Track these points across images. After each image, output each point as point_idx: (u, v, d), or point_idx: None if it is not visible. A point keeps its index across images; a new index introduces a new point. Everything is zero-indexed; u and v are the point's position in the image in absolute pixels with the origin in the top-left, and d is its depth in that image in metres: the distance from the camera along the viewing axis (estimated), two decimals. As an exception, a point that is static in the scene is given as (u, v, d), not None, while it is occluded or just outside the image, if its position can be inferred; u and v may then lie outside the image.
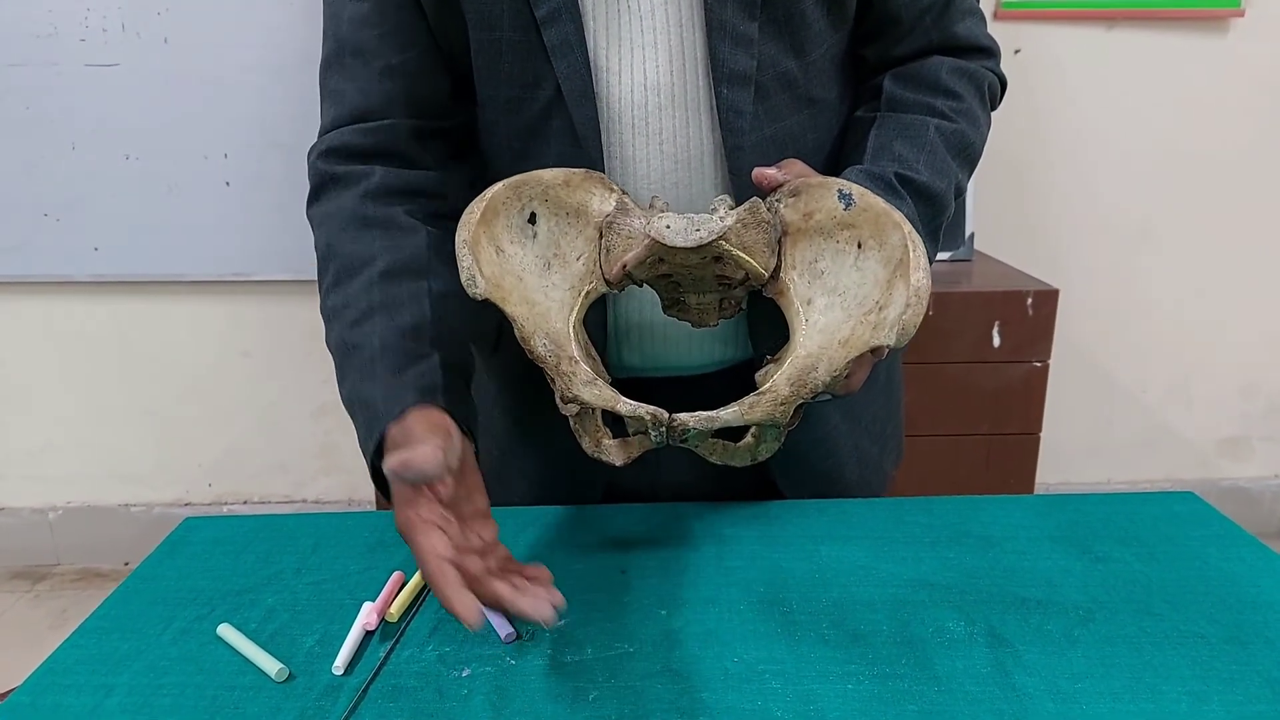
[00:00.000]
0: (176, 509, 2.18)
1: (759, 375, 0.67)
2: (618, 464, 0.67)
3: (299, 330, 2.07)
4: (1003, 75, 0.82)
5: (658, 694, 0.56)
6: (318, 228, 0.74)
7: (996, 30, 1.95)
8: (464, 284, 0.62)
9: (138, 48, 1.87)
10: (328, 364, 2.37)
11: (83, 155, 1.93)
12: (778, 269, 0.66)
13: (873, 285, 0.63)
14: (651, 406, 0.62)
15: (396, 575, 0.68)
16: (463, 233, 0.63)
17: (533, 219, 0.66)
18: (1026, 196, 2.07)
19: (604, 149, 0.72)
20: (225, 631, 0.63)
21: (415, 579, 0.68)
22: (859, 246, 0.64)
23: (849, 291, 0.64)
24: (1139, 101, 2.03)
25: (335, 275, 0.71)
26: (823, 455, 0.84)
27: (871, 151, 0.74)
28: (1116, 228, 2.10)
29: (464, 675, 0.58)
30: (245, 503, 2.17)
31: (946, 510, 0.79)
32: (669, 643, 0.61)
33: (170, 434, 2.14)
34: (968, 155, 0.76)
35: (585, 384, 0.62)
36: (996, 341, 1.62)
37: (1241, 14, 1.98)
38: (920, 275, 0.61)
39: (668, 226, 0.63)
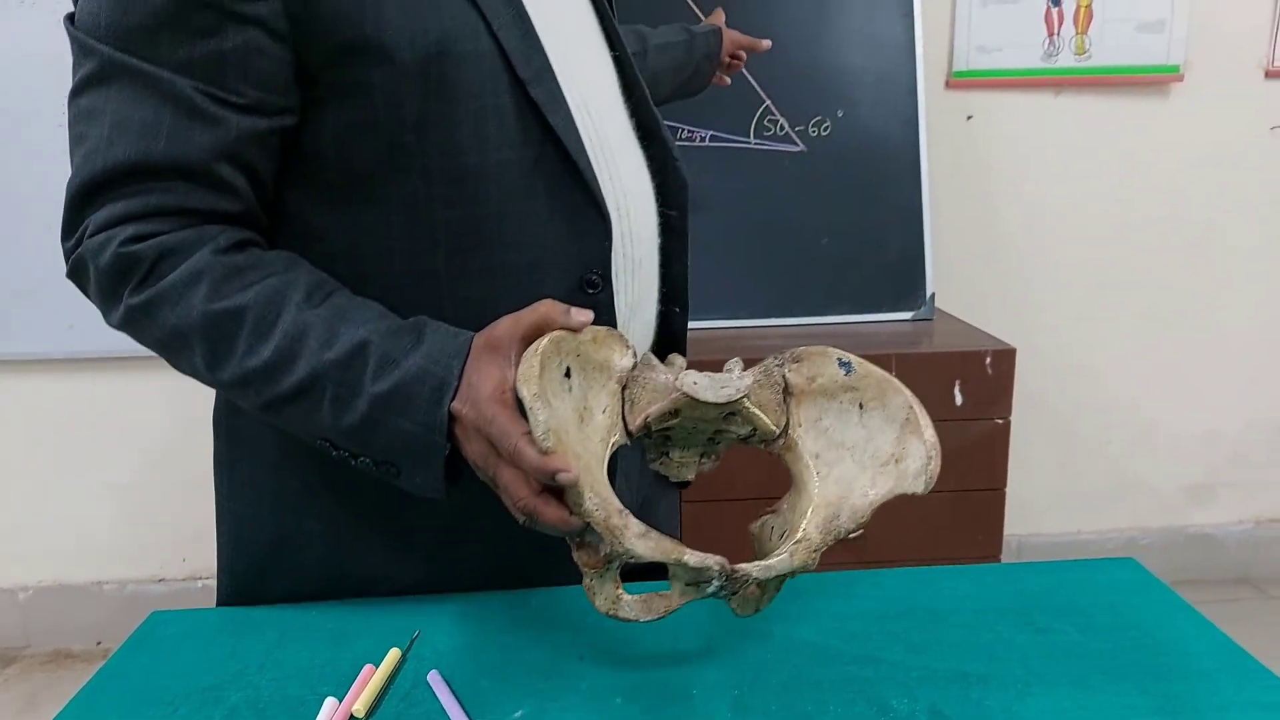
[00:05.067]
0: (150, 585, 2.17)
1: (755, 527, 0.71)
2: (641, 620, 0.65)
3: (274, 402, 2.08)
4: None
5: (610, 784, 0.58)
6: (169, 304, 0.66)
7: (947, 98, 2.03)
8: (539, 438, 0.59)
9: (113, 131, 1.91)
10: (301, 438, 2.27)
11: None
12: (785, 427, 0.70)
13: (882, 442, 0.68)
14: (717, 556, 0.62)
15: (367, 669, 0.69)
16: (531, 386, 0.61)
17: (568, 374, 0.67)
18: (984, 255, 2.13)
19: (602, 184, 0.75)
20: (188, 732, 0.64)
21: (382, 668, 0.69)
22: (860, 407, 0.70)
23: (856, 446, 0.69)
24: (1088, 162, 2.10)
25: (254, 328, 0.66)
26: None
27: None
28: (1073, 283, 2.16)
29: (422, 770, 0.60)
30: (220, 577, 2.16)
31: (897, 583, 0.81)
32: (622, 731, 0.63)
33: (144, 509, 2.14)
34: None
35: (639, 537, 0.60)
36: (959, 400, 1.66)
37: (1181, 79, 2.07)
38: (932, 432, 0.67)
39: (695, 383, 0.66)
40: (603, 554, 0.62)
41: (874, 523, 1.88)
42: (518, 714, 0.65)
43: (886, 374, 0.70)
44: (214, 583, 2.41)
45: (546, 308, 0.65)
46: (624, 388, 0.69)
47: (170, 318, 0.66)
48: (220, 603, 0.87)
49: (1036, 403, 2.19)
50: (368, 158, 0.70)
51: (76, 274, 0.70)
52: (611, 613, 0.64)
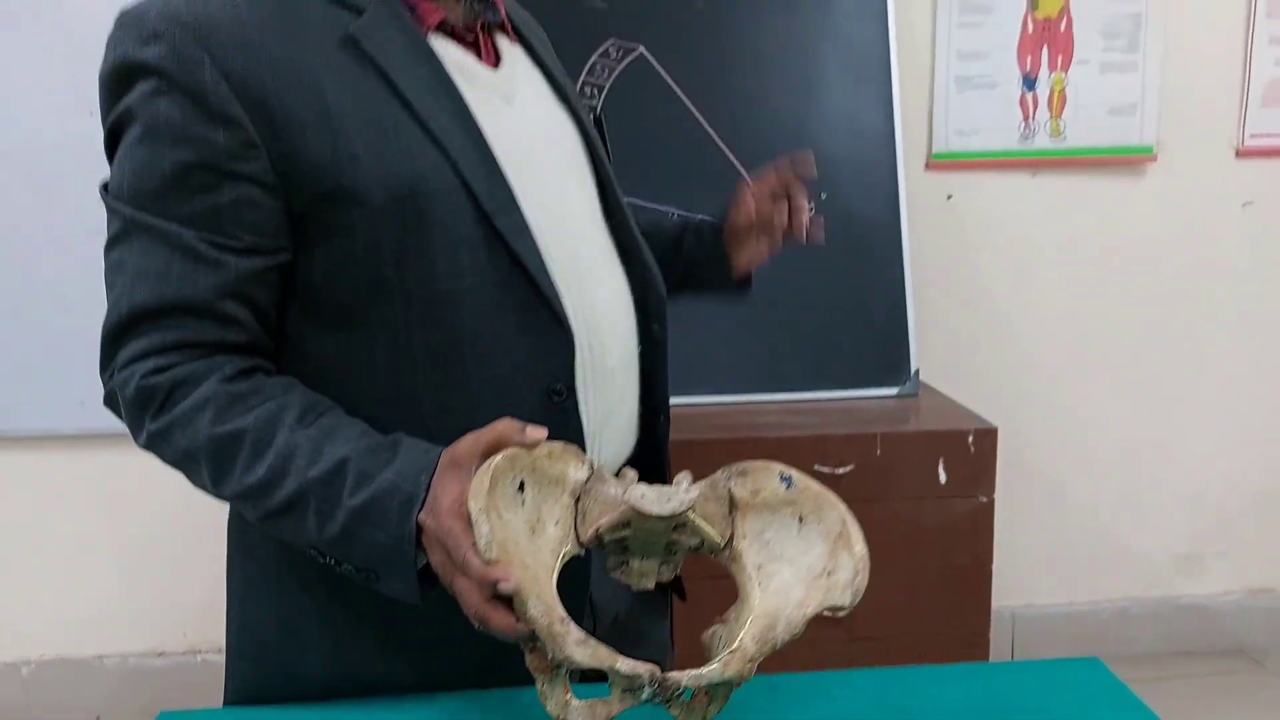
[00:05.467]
0: (151, 659, 2.19)
1: (706, 636, 0.73)
2: None
3: (275, 477, 2.13)
4: None
5: None
6: (179, 430, 0.73)
7: (927, 179, 2.11)
8: (482, 549, 0.65)
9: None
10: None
11: (74, 315, 2.02)
12: (731, 538, 0.75)
13: (817, 555, 0.73)
14: (648, 664, 0.66)
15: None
16: (478, 500, 0.66)
17: (521, 487, 0.71)
18: (968, 330, 2.18)
19: (568, 305, 0.81)
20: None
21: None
22: (800, 520, 0.74)
23: (796, 559, 0.74)
24: (1066, 239, 2.17)
25: (252, 449, 0.72)
26: None
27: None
28: (1056, 355, 2.21)
29: None
30: (220, 650, 2.18)
31: (868, 683, 0.85)
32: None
33: (145, 584, 2.17)
34: None
35: (578, 644, 0.65)
36: (943, 478, 1.70)
37: (1154, 159, 2.15)
38: (861, 545, 0.72)
39: (642, 496, 0.70)
40: (550, 659, 0.66)
41: (863, 601, 1.92)
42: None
43: (824, 488, 0.75)
44: (213, 657, 2.40)
45: (504, 426, 0.71)
46: (577, 500, 0.73)
47: (182, 441, 0.74)
48: (227, 699, 0.91)
49: (1025, 473, 2.22)
50: (352, 288, 0.78)
51: (111, 403, 0.78)
52: (561, 717, 0.67)
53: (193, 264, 0.73)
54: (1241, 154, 2.17)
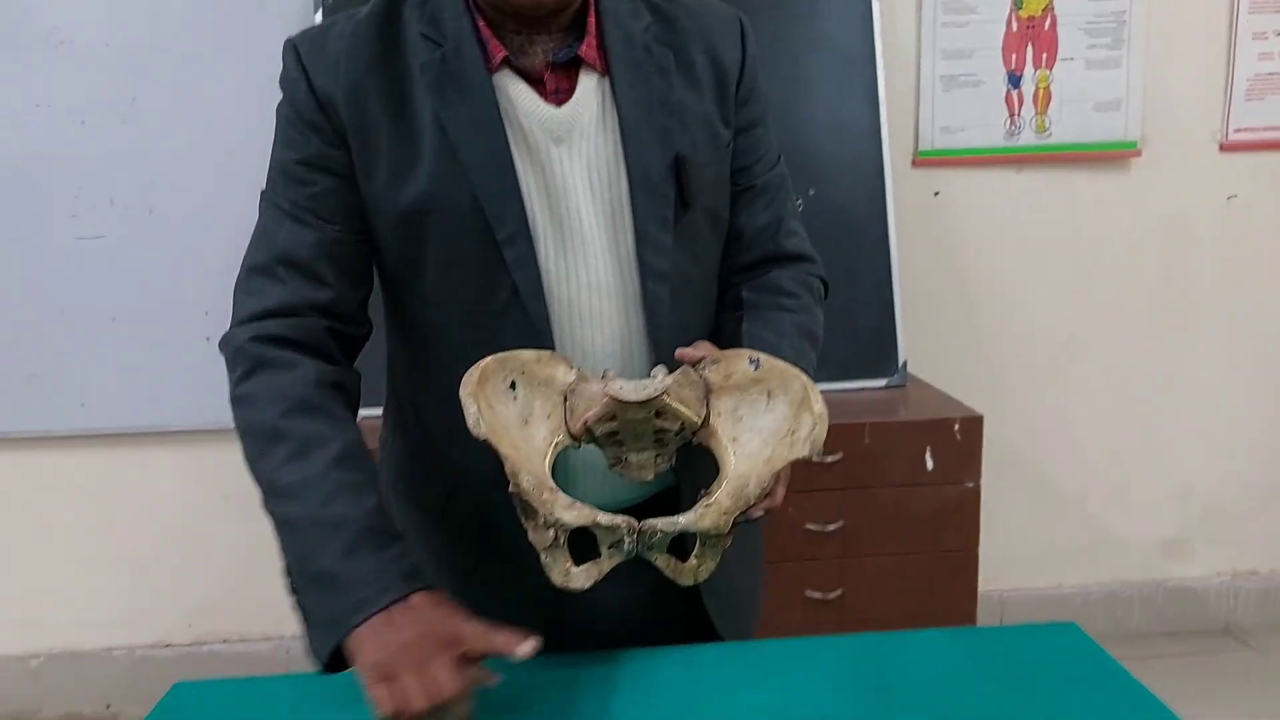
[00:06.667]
0: (158, 650, 2.22)
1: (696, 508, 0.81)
2: (586, 587, 0.78)
3: (278, 472, 2.16)
4: (825, 276, 1.03)
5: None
6: (252, 404, 0.85)
7: (914, 176, 2.15)
8: (470, 426, 0.76)
9: (124, 220, 2.03)
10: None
11: (71, 319, 2.06)
12: (706, 418, 0.83)
13: (783, 420, 0.81)
14: (626, 517, 0.76)
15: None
16: (467, 388, 0.78)
17: (513, 386, 0.82)
18: (956, 322, 2.22)
19: (555, 337, 0.88)
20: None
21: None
22: (768, 396, 0.83)
23: (765, 429, 0.82)
24: (1051, 233, 2.21)
25: (289, 452, 0.82)
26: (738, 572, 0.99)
27: (747, 340, 0.91)
28: (1042, 346, 2.26)
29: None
30: (225, 641, 2.22)
31: (856, 648, 0.89)
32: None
33: (151, 577, 2.20)
34: (813, 337, 0.97)
35: (565, 507, 0.76)
36: (930, 465, 1.75)
37: (1139, 154, 2.19)
38: (820, 405, 0.80)
39: (620, 387, 0.80)
40: (543, 525, 0.75)
41: (854, 583, 1.96)
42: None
43: (788, 365, 0.83)
44: (219, 648, 2.42)
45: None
46: (566, 398, 0.83)
47: (249, 414, 0.85)
48: None
49: (1014, 461, 2.27)
50: (387, 281, 0.94)
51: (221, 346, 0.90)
52: (564, 583, 0.77)
53: (299, 226, 0.88)
54: (1225, 148, 2.21)
